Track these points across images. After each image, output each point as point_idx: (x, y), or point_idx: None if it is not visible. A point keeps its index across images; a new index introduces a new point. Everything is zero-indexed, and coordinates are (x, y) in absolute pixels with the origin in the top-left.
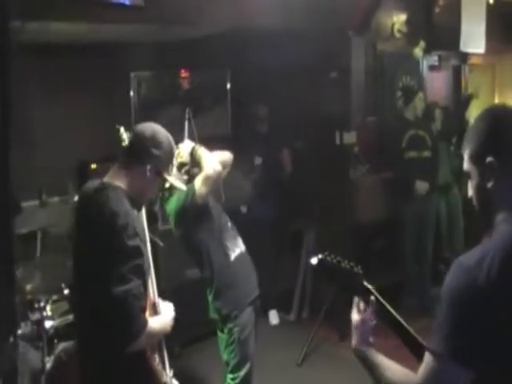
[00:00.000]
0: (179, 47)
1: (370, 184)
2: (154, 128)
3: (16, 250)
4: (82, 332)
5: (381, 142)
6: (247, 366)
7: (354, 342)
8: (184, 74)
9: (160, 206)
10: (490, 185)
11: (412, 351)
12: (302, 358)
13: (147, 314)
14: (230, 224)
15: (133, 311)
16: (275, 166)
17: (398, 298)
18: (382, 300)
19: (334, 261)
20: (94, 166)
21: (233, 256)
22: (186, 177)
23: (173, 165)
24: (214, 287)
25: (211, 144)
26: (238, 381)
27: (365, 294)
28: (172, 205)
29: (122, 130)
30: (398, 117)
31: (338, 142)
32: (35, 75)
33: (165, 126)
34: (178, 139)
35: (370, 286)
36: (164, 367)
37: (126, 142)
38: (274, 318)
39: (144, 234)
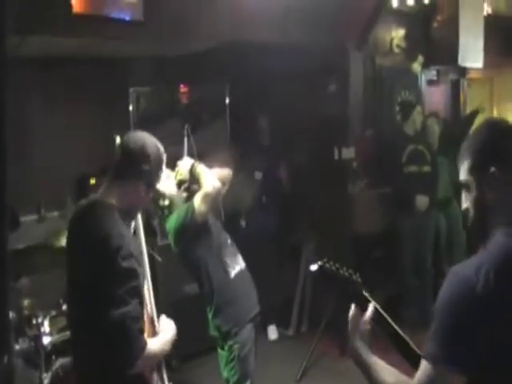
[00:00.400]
0: (178, 62)
1: (369, 198)
2: (141, 141)
3: (13, 265)
4: (79, 353)
5: (379, 155)
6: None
7: (349, 341)
8: (183, 89)
9: (159, 221)
10: (490, 195)
11: (410, 363)
12: (301, 373)
13: (145, 332)
14: (229, 241)
15: (131, 334)
16: (275, 180)
17: (397, 311)
18: (379, 309)
19: (333, 268)
20: (92, 180)
21: (233, 273)
22: (185, 194)
23: (162, 171)
24: (214, 304)
25: (210, 159)
26: None
27: (363, 303)
28: (171, 222)
29: (118, 139)
30: (397, 131)
31: (336, 157)
32: (35, 89)
33: (163, 139)
34: (177, 153)
35: (368, 295)
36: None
37: None
38: (272, 333)
39: (140, 252)
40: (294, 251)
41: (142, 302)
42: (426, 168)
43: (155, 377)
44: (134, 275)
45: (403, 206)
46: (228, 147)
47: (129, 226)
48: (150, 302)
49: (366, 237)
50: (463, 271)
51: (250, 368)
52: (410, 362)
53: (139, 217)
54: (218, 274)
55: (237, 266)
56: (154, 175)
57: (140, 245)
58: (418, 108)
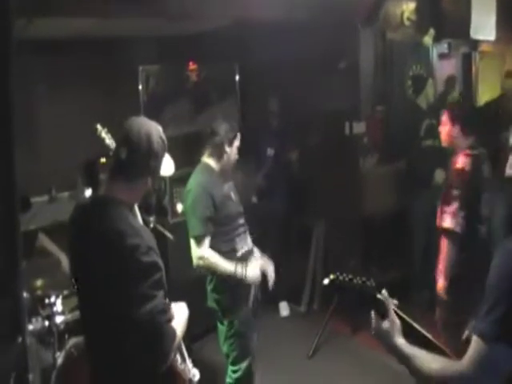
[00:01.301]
0: (187, 41)
1: (381, 174)
2: (147, 135)
3: (25, 246)
4: (98, 352)
5: (391, 131)
6: (248, 359)
7: (385, 345)
8: (192, 66)
9: (169, 200)
10: None
11: None
12: (313, 350)
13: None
14: (242, 222)
15: (162, 329)
16: (285, 159)
17: (408, 292)
18: (398, 311)
19: (346, 279)
20: (103, 160)
21: (240, 252)
22: None
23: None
24: (215, 278)
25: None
26: (239, 373)
27: (380, 307)
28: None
29: (99, 128)
30: (409, 105)
31: (347, 132)
32: (42, 72)
33: (172, 119)
34: (186, 132)
35: (383, 297)
36: (185, 362)
37: (107, 142)
38: (284, 309)
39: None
40: (305, 229)
41: (166, 291)
42: (439, 142)
43: (178, 358)
44: (156, 268)
45: (419, 181)
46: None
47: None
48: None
49: (379, 214)
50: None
51: (251, 344)
52: None
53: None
54: (225, 251)
55: (245, 246)
56: (160, 166)
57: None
58: (430, 81)
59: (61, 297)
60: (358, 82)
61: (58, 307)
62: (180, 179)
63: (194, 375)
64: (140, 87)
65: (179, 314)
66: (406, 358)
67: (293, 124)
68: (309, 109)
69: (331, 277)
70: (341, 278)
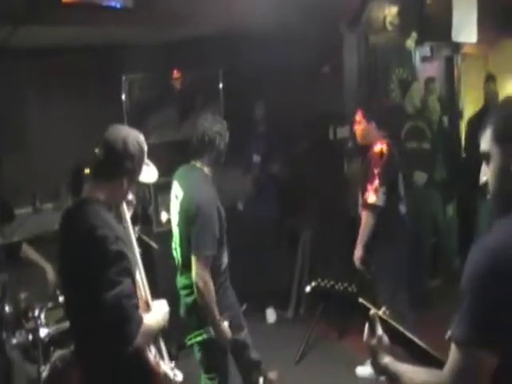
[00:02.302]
0: (170, 49)
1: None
2: (123, 137)
3: (9, 258)
4: (80, 340)
5: None
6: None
7: (375, 364)
8: (176, 74)
9: (154, 209)
10: None
11: (421, 364)
12: (300, 355)
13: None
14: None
15: (127, 311)
16: (271, 164)
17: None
18: (380, 314)
19: (328, 285)
20: (87, 170)
21: (223, 267)
22: None
23: (144, 163)
24: None
25: None
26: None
27: (362, 312)
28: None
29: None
30: (393, 108)
31: (331, 137)
32: (27, 79)
33: (157, 126)
34: (171, 139)
35: (365, 303)
36: (162, 357)
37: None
38: (271, 315)
39: (128, 238)
40: (291, 234)
41: (134, 281)
42: (426, 145)
43: (152, 350)
44: (123, 256)
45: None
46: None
47: (117, 214)
48: (144, 286)
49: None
50: (490, 245)
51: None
52: (418, 361)
53: (124, 206)
54: (214, 263)
55: (226, 259)
56: (137, 170)
57: (127, 232)
58: (417, 84)
59: (45, 309)
60: (342, 86)
61: (43, 320)
62: (164, 187)
63: (175, 375)
64: (123, 96)
65: (158, 308)
66: (394, 377)
67: (278, 130)
68: (293, 114)
69: (313, 284)
70: (322, 284)
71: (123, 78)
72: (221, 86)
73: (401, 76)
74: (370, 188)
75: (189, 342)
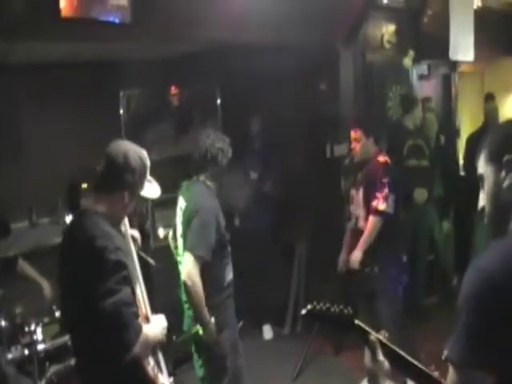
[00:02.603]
0: (168, 64)
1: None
2: (124, 151)
3: (5, 273)
4: (79, 353)
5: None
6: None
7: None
8: (174, 91)
9: (151, 224)
10: (505, 184)
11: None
12: (297, 372)
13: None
14: (229, 249)
15: (126, 318)
16: (265, 182)
17: None
18: (377, 336)
19: (324, 308)
20: (84, 185)
21: (226, 282)
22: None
23: (147, 178)
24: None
25: None
26: None
27: (359, 334)
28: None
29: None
30: (391, 127)
31: (328, 154)
32: (24, 95)
33: (154, 142)
34: (168, 155)
35: (362, 324)
36: (161, 371)
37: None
38: (267, 332)
39: (128, 250)
40: (288, 250)
41: (133, 290)
42: (425, 162)
43: (151, 362)
44: (122, 266)
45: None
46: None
47: (118, 229)
48: (144, 301)
49: None
50: (486, 266)
51: (227, 364)
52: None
53: (126, 220)
54: (216, 278)
55: (231, 275)
56: (138, 184)
57: (128, 245)
58: (419, 103)
59: (41, 324)
60: (339, 103)
61: (39, 335)
62: (162, 203)
63: None
64: (121, 111)
65: (157, 322)
66: None
67: (274, 146)
68: (290, 130)
69: (308, 307)
70: (318, 307)
71: (121, 93)
72: (218, 101)
73: (401, 93)
74: (380, 196)
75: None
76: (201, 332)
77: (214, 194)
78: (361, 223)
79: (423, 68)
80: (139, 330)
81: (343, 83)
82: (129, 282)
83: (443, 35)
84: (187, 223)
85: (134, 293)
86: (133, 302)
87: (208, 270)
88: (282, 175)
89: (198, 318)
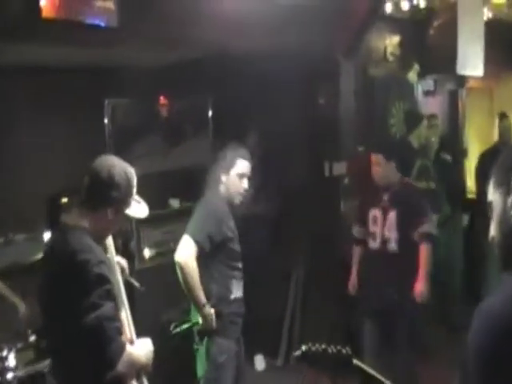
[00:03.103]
0: (157, 73)
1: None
2: (109, 166)
3: None
4: (60, 373)
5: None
6: None
7: None
8: (163, 101)
9: (137, 243)
10: None
11: None
12: None
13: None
14: (241, 266)
15: (108, 333)
16: (262, 200)
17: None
18: (377, 375)
19: (320, 349)
20: (64, 199)
21: (233, 296)
22: None
23: (133, 196)
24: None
25: (192, 175)
26: None
27: (358, 374)
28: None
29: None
30: (395, 144)
31: (327, 173)
32: (0, 102)
33: (142, 156)
34: (157, 170)
35: (361, 364)
36: None
37: None
38: (260, 363)
39: (114, 270)
40: (283, 274)
41: (116, 305)
42: (432, 184)
43: None
44: (105, 280)
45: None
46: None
47: (102, 246)
48: (129, 325)
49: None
50: (494, 310)
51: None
52: None
53: (110, 238)
54: (221, 288)
55: (239, 292)
56: (124, 201)
57: (112, 265)
58: (425, 122)
59: (14, 350)
60: (338, 118)
61: (11, 362)
62: (149, 221)
63: None
64: (106, 121)
65: (142, 345)
66: None
67: (269, 163)
68: (286, 146)
69: (303, 349)
70: (313, 348)
71: (106, 102)
72: (210, 114)
73: (406, 109)
74: (426, 219)
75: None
76: (200, 321)
77: (223, 199)
78: (392, 246)
79: (429, 83)
80: (123, 346)
81: (343, 97)
82: (112, 296)
83: (450, 48)
84: None
85: (117, 306)
86: (116, 317)
87: (211, 272)
88: (277, 194)
89: (193, 303)
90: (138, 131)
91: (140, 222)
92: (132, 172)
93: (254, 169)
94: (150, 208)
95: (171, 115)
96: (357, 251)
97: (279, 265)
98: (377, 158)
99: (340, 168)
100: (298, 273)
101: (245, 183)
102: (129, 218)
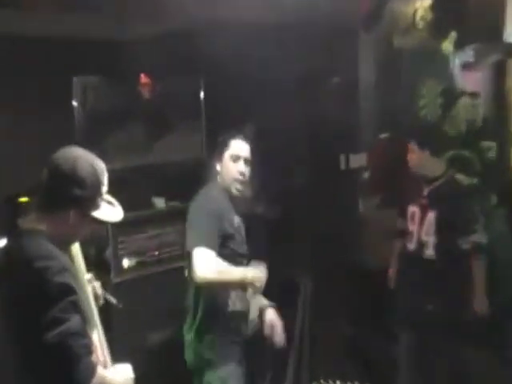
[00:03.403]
0: (138, 47)
1: (386, 219)
2: (73, 158)
3: None
4: None
5: (401, 164)
6: None
7: None
8: (144, 79)
9: (113, 252)
10: None
11: None
12: None
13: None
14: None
15: (75, 351)
16: (264, 200)
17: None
18: None
19: None
20: (24, 198)
21: (228, 309)
22: None
23: (102, 197)
24: (199, 319)
25: (180, 170)
26: None
27: None
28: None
29: None
30: (430, 129)
31: (343, 166)
32: None
33: (120, 147)
34: (138, 164)
35: None
36: None
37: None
38: None
39: (81, 276)
40: (288, 288)
41: (85, 318)
42: (474, 180)
43: None
44: (69, 289)
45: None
46: (204, 157)
47: (66, 254)
48: (103, 348)
49: (382, 271)
50: None
51: None
52: None
53: (77, 245)
54: (214, 293)
55: (240, 304)
56: (90, 202)
57: (79, 276)
58: (466, 99)
59: None
60: (356, 101)
61: None
62: (128, 225)
63: None
64: (75, 104)
65: (119, 371)
66: None
67: (273, 156)
68: (294, 137)
69: None
70: None
71: (75, 80)
72: (202, 97)
73: (439, 88)
74: (476, 226)
75: None
76: None
77: (222, 190)
78: (429, 252)
79: (468, 54)
80: (93, 368)
81: (362, 76)
82: (77, 308)
83: (496, 11)
84: None
85: (84, 320)
86: (84, 332)
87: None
88: (282, 193)
89: (240, 282)
90: (114, 116)
91: (118, 225)
92: (101, 166)
93: (253, 163)
94: (130, 209)
95: (155, 98)
96: (396, 245)
97: (283, 276)
98: (412, 144)
99: (358, 160)
100: (306, 285)
101: (240, 166)
102: (100, 223)
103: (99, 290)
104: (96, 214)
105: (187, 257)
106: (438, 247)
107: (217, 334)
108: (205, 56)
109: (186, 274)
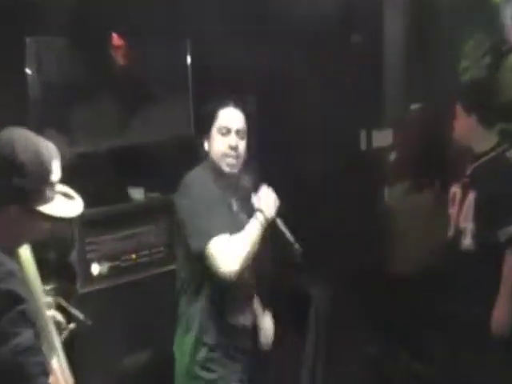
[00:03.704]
0: (107, 2)
1: (418, 209)
2: (11, 144)
3: None
4: None
5: (437, 143)
6: None
7: None
8: (117, 41)
9: (80, 256)
10: None
11: None
12: None
13: None
14: None
15: (28, 370)
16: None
17: None
18: None
19: None
20: None
21: (228, 320)
22: None
23: (53, 188)
24: (194, 333)
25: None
26: None
27: None
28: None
29: None
30: (476, 92)
31: (364, 146)
32: None
33: (88, 125)
34: (109, 146)
35: None
36: None
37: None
38: None
39: (32, 282)
40: (299, 301)
41: (38, 329)
42: None
43: None
44: (17, 299)
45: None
46: (192, 136)
47: (12, 258)
48: (64, 375)
49: (412, 275)
50: None
51: None
52: None
53: (26, 249)
54: (211, 300)
55: (242, 318)
56: (34, 193)
57: (32, 284)
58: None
59: None
60: (381, 66)
61: None
62: (97, 223)
63: None
64: (28, 71)
65: None
66: None
67: (277, 138)
68: (302, 112)
69: None
70: None
71: (28, 41)
72: (189, 63)
73: (486, 45)
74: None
75: None
76: None
77: (215, 171)
78: (466, 242)
79: None
80: None
81: (388, 35)
82: (29, 320)
83: None
84: None
85: (38, 335)
86: (38, 348)
87: (200, 288)
88: (288, 184)
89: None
90: (78, 87)
91: (85, 223)
92: (50, 149)
93: (253, 147)
94: (100, 203)
95: (131, 64)
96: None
97: (293, 287)
98: (457, 109)
99: (382, 138)
100: (319, 298)
101: (231, 139)
102: (51, 219)
103: (61, 317)
104: (45, 208)
105: (187, 259)
106: (476, 238)
107: (215, 350)
108: (192, 14)
109: (189, 277)
